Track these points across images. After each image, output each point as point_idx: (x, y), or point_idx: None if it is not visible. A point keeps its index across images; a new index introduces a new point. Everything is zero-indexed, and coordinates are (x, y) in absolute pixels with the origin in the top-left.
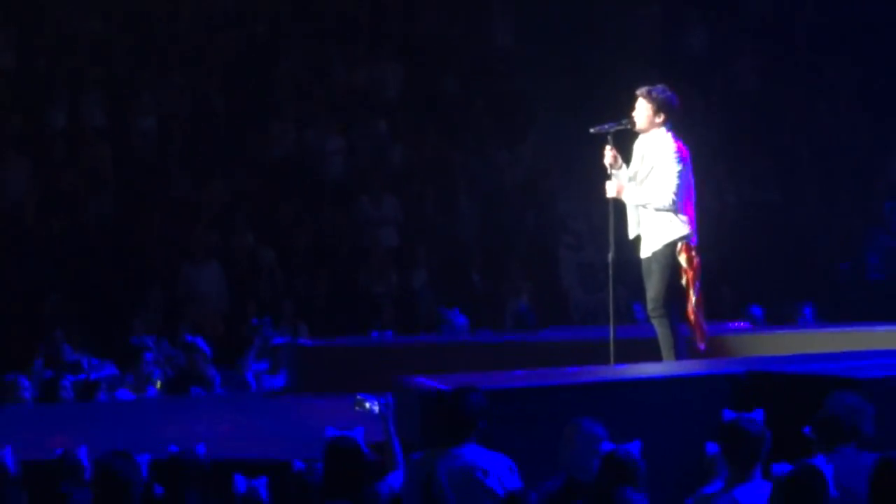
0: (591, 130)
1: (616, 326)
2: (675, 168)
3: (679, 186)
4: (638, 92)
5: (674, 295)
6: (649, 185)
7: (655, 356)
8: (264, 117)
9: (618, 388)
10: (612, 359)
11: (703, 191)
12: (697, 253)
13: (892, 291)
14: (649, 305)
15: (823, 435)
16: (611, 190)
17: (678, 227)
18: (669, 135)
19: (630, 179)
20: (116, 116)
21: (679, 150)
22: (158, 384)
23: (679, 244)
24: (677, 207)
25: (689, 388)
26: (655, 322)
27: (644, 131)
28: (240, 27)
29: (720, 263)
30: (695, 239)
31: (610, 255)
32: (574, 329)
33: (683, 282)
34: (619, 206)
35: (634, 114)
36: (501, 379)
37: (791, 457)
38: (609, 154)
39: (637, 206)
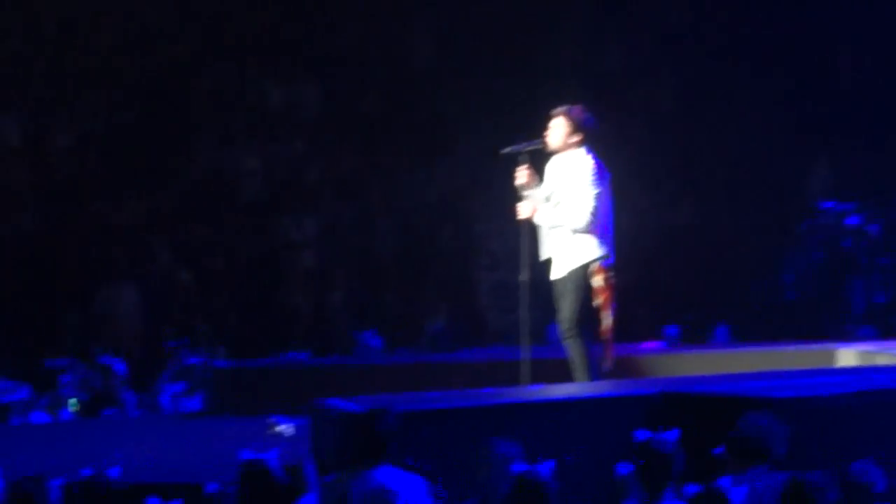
0: (503, 151)
1: (530, 347)
2: (591, 188)
3: (596, 207)
4: (554, 112)
5: (587, 316)
6: (565, 206)
7: (570, 377)
8: (182, 137)
9: (532, 409)
10: (526, 379)
11: (619, 211)
12: (612, 274)
13: (806, 311)
14: (562, 326)
15: (736, 455)
16: (524, 211)
17: (592, 248)
18: (587, 154)
19: (546, 200)
20: (33, 135)
21: (596, 170)
22: (75, 406)
23: (593, 265)
24: (594, 228)
25: (603, 409)
26: (568, 343)
27: (559, 151)
28: (157, 46)
29: (636, 283)
30: (611, 259)
31: (523, 276)
32: (489, 350)
33: (597, 303)
34: (533, 227)
35: (550, 133)
36: (416, 400)
37: (704, 478)
38: (523, 174)
39: (552, 227)
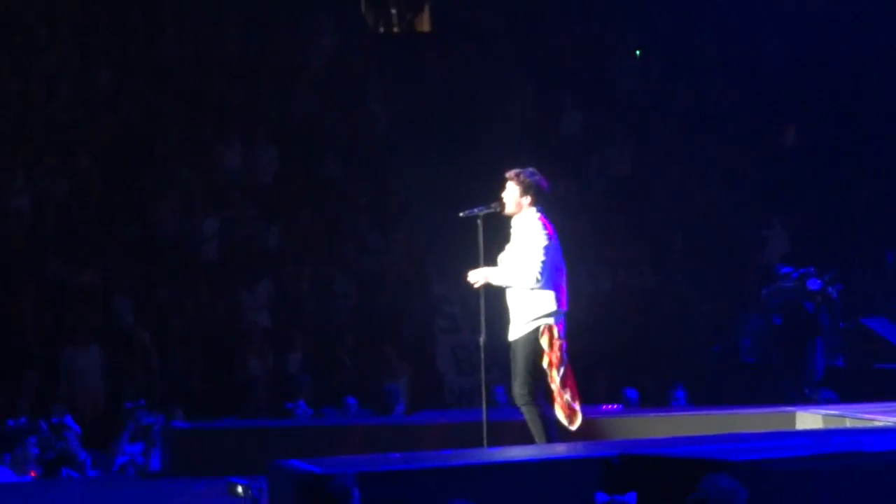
0: (461, 214)
1: (489, 409)
2: (539, 246)
3: (544, 264)
4: (507, 175)
5: (539, 379)
6: (513, 267)
7: (528, 439)
8: (140, 200)
9: (491, 471)
10: (485, 441)
11: (576, 274)
12: (561, 335)
13: (764, 374)
14: (515, 391)
15: None
16: (475, 278)
17: (539, 308)
18: (537, 215)
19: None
20: None
21: (545, 227)
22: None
23: (541, 327)
24: (543, 285)
25: (562, 471)
26: (523, 409)
27: (513, 214)
28: (116, 110)
29: (594, 346)
30: (562, 321)
31: (481, 339)
32: (449, 412)
33: (545, 364)
34: (491, 290)
35: (504, 196)
36: (377, 462)
37: None
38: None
39: (505, 286)
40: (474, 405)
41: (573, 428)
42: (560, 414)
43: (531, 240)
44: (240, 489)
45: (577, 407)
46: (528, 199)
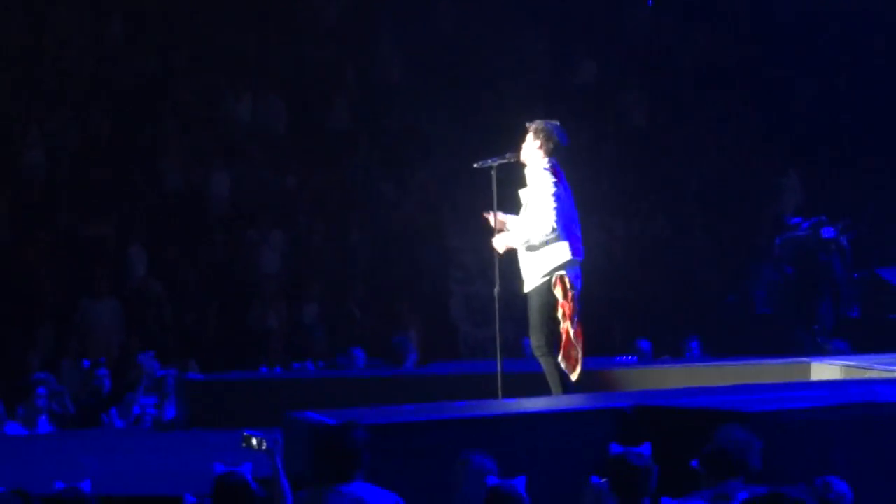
0: (475, 165)
1: (503, 360)
2: (550, 196)
3: (557, 211)
4: (528, 125)
5: (555, 330)
6: (528, 223)
7: (543, 390)
8: (152, 152)
9: (505, 423)
10: (499, 393)
11: (590, 224)
12: (575, 284)
13: (778, 325)
14: (532, 343)
15: (711, 469)
16: (499, 245)
17: (552, 259)
18: (548, 165)
19: (522, 209)
20: (4, 150)
21: (555, 176)
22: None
23: (553, 277)
24: (559, 235)
25: (576, 422)
26: (541, 360)
27: (530, 164)
28: (126, 63)
29: (608, 298)
30: (577, 271)
31: (496, 290)
32: (462, 363)
33: (559, 315)
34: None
35: (523, 146)
36: (390, 413)
37: (679, 490)
38: (491, 219)
39: (524, 244)
40: (488, 356)
41: (574, 378)
42: (563, 362)
43: (542, 190)
44: (254, 441)
45: (580, 358)
46: (542, 150)
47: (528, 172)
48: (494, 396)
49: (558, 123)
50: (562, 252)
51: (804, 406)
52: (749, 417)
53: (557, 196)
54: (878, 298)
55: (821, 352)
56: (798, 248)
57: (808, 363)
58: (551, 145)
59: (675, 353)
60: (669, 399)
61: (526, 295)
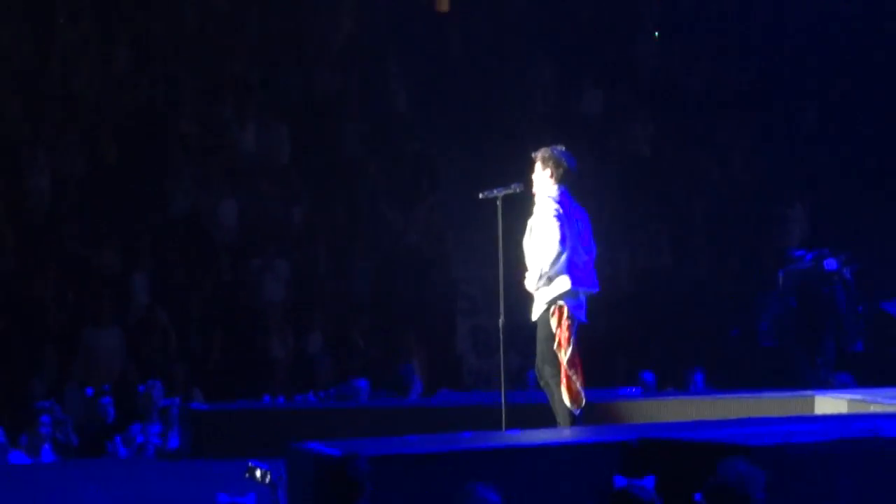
0: (481, 196)
1: (508, 391)
2: (552, 224)
3: (559, 250)
4: (534, 154)
5: (556, 359)
6: (537, 251)
7: (547, 421)
8: (159, 178)
9: (509, 454)
10: (503, 424)
11: (596, 254)
12: (573, 314)
13: (783, 358)
14: (538, 373)
15: (714, 502)
16: (529, 285)
17: (552, 289)
18: (556, 194)
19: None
20: (10, 176)
21: (560, 206)
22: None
23: (552, 307)
24: (560, 270)
25: (580, 455)
26: (546, 389)
27: (540, 192)
28: (135, 88)
29: (612, 328)
30: (579, 301)
31: (501, 321)
32: (467, 394)
33: (554, 345)
34: (510, 272)
35: (533, 176)
36: (394, 444)
37: None
38: None
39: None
40: (493, 387)
41: (577, 410)
42: (565, 395)
43: (545, 218)
44: (258, 473)
45: (581, 389)
46: (553, 178)
47: (537, 202)
48: (498, 427)
49: (564, 148)
50: (562, 282)
51: (808, 440)
52: (753, 451)
53: (560, 225)
54: (884, 332)
55: (825, 385)
56: (801, 281)
57: (813, 396)
58: (561, 171)
59: (679, 385)
60: (673, 432)
61: (534, 323)
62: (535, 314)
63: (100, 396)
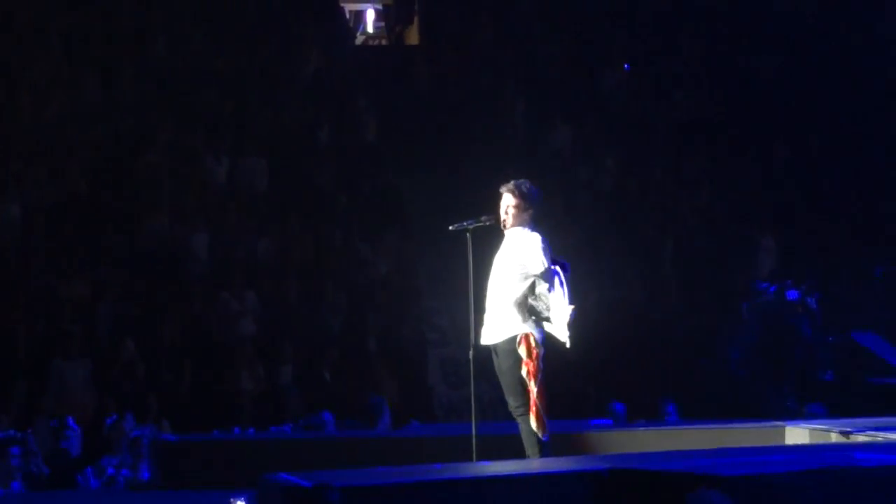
0: (451, 228)
1: (478, 422)
2: (545, 262)
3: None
4: (504, 188)
5: (527, 387)
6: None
7: (518, 453)
8: (129, 210)
9: (481, 485)
10: (474, 455)
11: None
12: (540, 342)
13: (752, 388)
14: (510, 404)
15: None
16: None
17: (519, 316)
18: (534, 232)
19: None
20: None
21: (544, 244)
22: None
23: (518, 336)
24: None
25: (553, 486)
26: (519, 420)
27: (510, 226)
28: (104, 120)
29: (582, 360)
30: (542, 330)
31: (471, 352)
32: (437, 425)
33: (524, 373)
34: (480, 303)
35: (502, 208)
36: (364, 476)
37: None
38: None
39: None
40: (463, 419)
41: (545, 437)
42: (534, 423)
43: (532, 246)
44: None
45: (545, 418)
46: (527, 212)
47: (509, 234)
48: (469, 459)
49: (528, 181)
50: (529, 316)
51: (780, 470)
52: (725, 481)
53: (546, 255)
54: (855, 362)
55: (793, 415)
56: (765, 313)
57: (783, 427)
58: (534, 204)
59: (651, 416)
60: (645, 462)
61: (492, 347)
62: (494, 338)
63: (65, 429)
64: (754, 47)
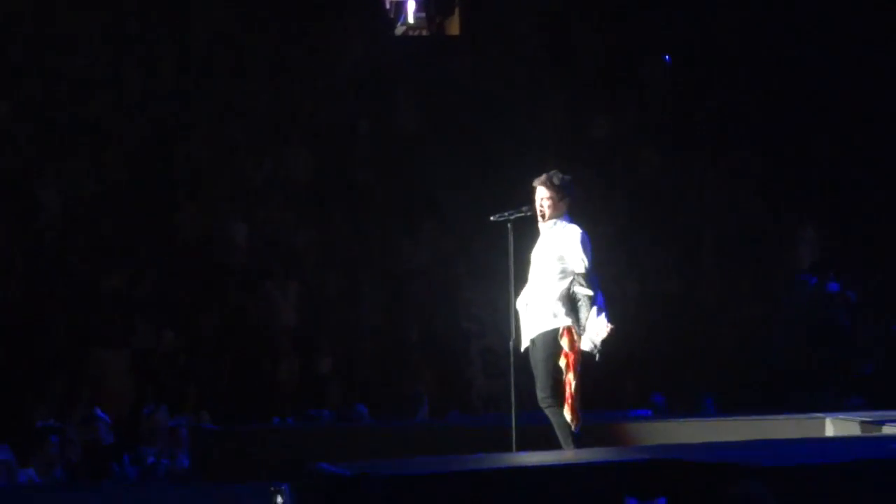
0: (492, 218)
1: (518, 413)
2: (587, 254)
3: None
4: (538, 181)
5: (560, 380)
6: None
7: (557, 444)
8: (170, 201)
9: (520, 476)
10: (514, 446)
11: (604, 279)
12: (580, 337)
13: (793, 381)
14: (539, 396)
15: None
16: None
17: (562, 309)
18: (572, 224)
19: (533, 263)
20: (20, 198)
21: (584, 236)
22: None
23: (560, 328)
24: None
25: (592, 476)
26: (548, 412)
27: (547, 219)
28: (146, 111)
29: (622, 352)
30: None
31: (511, 342)
32: (476, 416)
33: (563, 364)
34: (519, 294)
35: (537, 202)
36: (404, 466)
37: None
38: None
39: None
40: (502, 409)
41: (577, 429)
42: (568, 415)
43: (573, 238)
44: (279, 500)
45: (580, 411)
46: (563, 203)
47: (547, 227)
48: (509, 449)
49: (559, 172)
50: (571, 302)
51: (820, 462)
52: (764, 472)
53: (589, 247)
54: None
55: (833, 408)
56: (806, 305)
57: (823, 419)
58: (569, 194)
59: (690, 408)
60: (685, 453)
61: (528, 349)
62: (535, 330)
63: (94, 419)
64: (797, 38)
